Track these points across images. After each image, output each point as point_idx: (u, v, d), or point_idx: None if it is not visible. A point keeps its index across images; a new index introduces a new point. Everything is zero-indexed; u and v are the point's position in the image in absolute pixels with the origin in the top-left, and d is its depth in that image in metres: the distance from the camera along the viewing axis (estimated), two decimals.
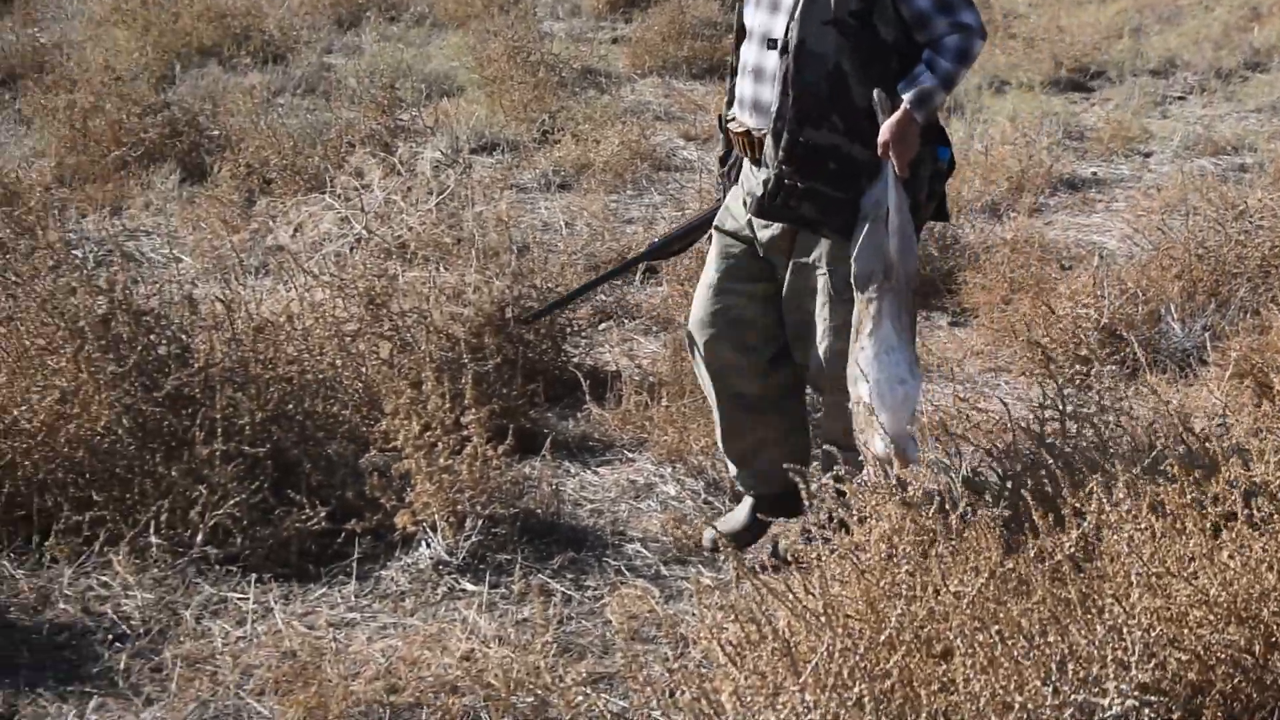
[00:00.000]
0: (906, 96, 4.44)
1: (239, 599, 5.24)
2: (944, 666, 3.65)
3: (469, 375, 5.81)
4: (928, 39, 4.49)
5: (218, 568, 5.40)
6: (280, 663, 4.84)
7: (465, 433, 5.55)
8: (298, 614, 5.18)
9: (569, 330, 7.10)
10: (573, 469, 6.45)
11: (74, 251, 6.69)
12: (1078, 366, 6.81)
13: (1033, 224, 9.44)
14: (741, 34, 4.81)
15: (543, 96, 12.29)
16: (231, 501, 5.37)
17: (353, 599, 5.39)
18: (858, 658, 3.47)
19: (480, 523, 5.61)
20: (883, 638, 3.67)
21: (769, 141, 4.51)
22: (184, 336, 5.86)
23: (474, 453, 5.53)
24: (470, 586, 5.44)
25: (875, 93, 4.47)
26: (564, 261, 7.94)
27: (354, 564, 5.51)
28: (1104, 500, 3.90)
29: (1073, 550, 3.89)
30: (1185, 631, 3.57)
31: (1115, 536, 3.83)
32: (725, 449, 5.17)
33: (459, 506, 5.53)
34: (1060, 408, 5.37)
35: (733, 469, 5.22)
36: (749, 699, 3.65)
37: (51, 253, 6.20)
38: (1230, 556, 3.67)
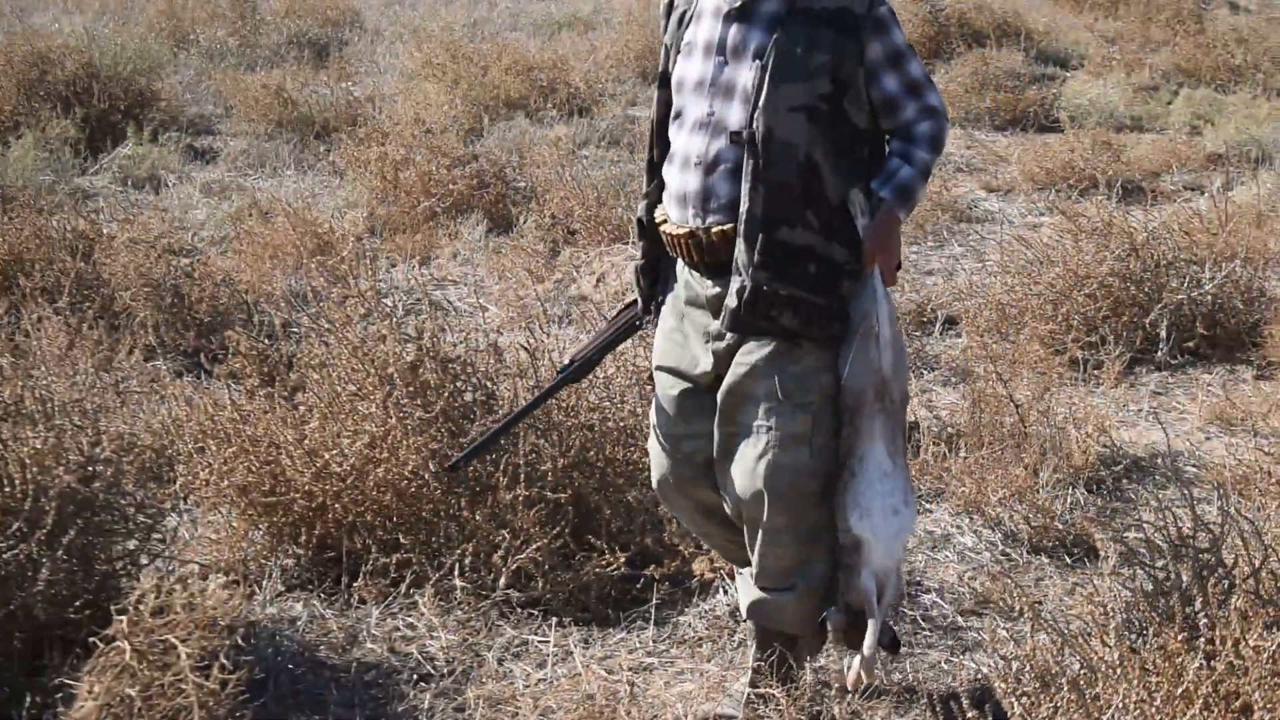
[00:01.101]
0: (886, 195, 4.10)
1: (540, 642, 5.36)
2: None
3: None
4: (896, 125, 4.16)
5: (519, 611, 5.54)
6: (579, 705, 4.92)
7: None
8: (597, 657, 5.25)
9: None
10: None
11: (384, 300, 6.87)
12: None
13: None
14: (666, 117, 4.31)
15: None
16: (533, 546, 5.50)
17: (650, 644, 5.42)
18: (1154, 710, 3.38)
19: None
20: (1180, 690, 3.59)
21: (740, 245, 4.06)
22: (489, 384, 6.01)
23: None
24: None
25: (852, 193, 4.12)
26: None
27: (652, 609, 5.53)
28: None
29: None
30: None
31: None
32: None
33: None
34: None
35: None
36: None
37: (363, 301, 6.37)
38: None
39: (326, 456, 5.60)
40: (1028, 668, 4.01)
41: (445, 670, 5.26)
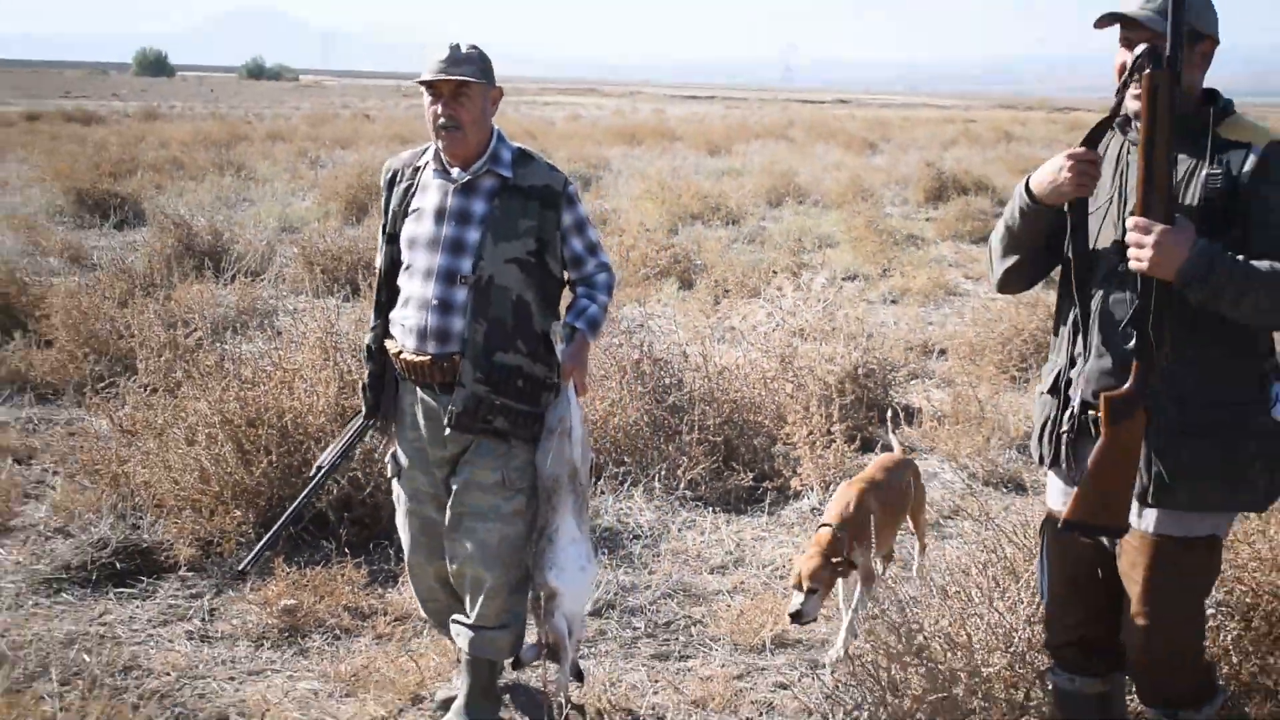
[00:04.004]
0: (581, 326, 3.84)
1: (702, 520, 5.79)
2: None
3: (835, 405, 6.37)
4: (581, 275, 3.91)
5: (691, 502, 6.02)
6: (724, 555, 5.64)
7: (831, 436, 6.15)
8: (734, 531, 5.74)
9: (891, 382, 7.59)
10: None
11: (622, 323, 7.80)
12: None
13: None
14: (395, 269, 3.89)
15: (884, 249, 13.72)
16: (700, 466, 6.13)
17: (764, 525, 5.83)
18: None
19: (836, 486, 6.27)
20: None
21: (465, 366, 3.69)
22: (679, 374, 6.57)
23: (837, 448, 6.12)
24: None
25: (555, 326, 3.90)
26: (891, 344, 8.58)
27: (766, 505, 6.06)
28: None
29: None
30: None
31: None
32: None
33: (826, 477, 6.11)
34: None
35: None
36: None
37: (612, 324, 7.00)
38: None
39: (590, 411, 6.10)
40: (981, 548, 4.11)
41: (648, 533, 5.74)
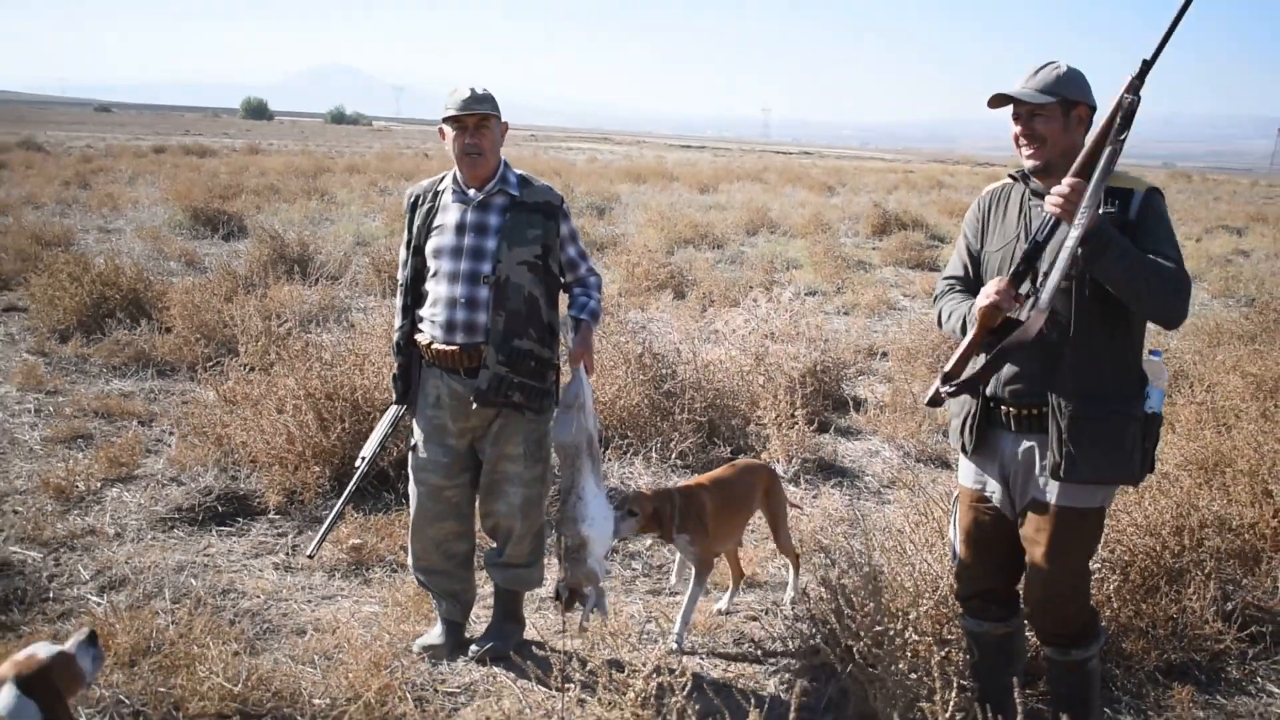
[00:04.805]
0: (586, 317, 3.80)
1: None
2: None
3: (799, 394, 6.36)
4: (576, 277, 3.87)
5: (680, 469, 5.82)
6: None
7: (795, 419, 6.15)
8: None
9: (844, 377, 7.60)
10: (842, 441, 6.87)
11: (628, 325, 7.80)
12: None
13: None
14: (417, 277, 3.82)
15: (839, 271, 13.70)
16: (688, 440, 6.01)
17: None
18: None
19: (800, 462, 6.00)
20: None
21: (489, 351, 3.66)
22: (673, 366, 6.57)
23: (799, 428, 6.12)
24: (792, 488, 5.74)
25: (565, 316, 3.90)
26: (844, 346, 8.48)
27: None
28: None
29: None
30: None
31: None
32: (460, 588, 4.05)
33: (789, 452, 6.08)
34: None
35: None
36: None
37: (622, 326, 7.17)
38: None
39: (601, 393, 6.10)
40: (906, 513, 4.27)
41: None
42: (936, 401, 3.05)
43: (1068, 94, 2.89)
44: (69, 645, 2.42)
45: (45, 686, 2.25)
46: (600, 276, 4.01)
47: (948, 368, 2.98)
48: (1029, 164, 2.99)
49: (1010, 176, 3.13)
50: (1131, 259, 2.76)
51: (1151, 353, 3.02)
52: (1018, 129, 2.95)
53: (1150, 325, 2.95)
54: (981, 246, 3.14)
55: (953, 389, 2.97)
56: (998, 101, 2.94)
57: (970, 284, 3.18)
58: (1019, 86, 2.94)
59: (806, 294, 12.09)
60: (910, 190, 32.14)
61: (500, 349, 3.69)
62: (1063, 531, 2.96)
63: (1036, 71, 2.94)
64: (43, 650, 2.36)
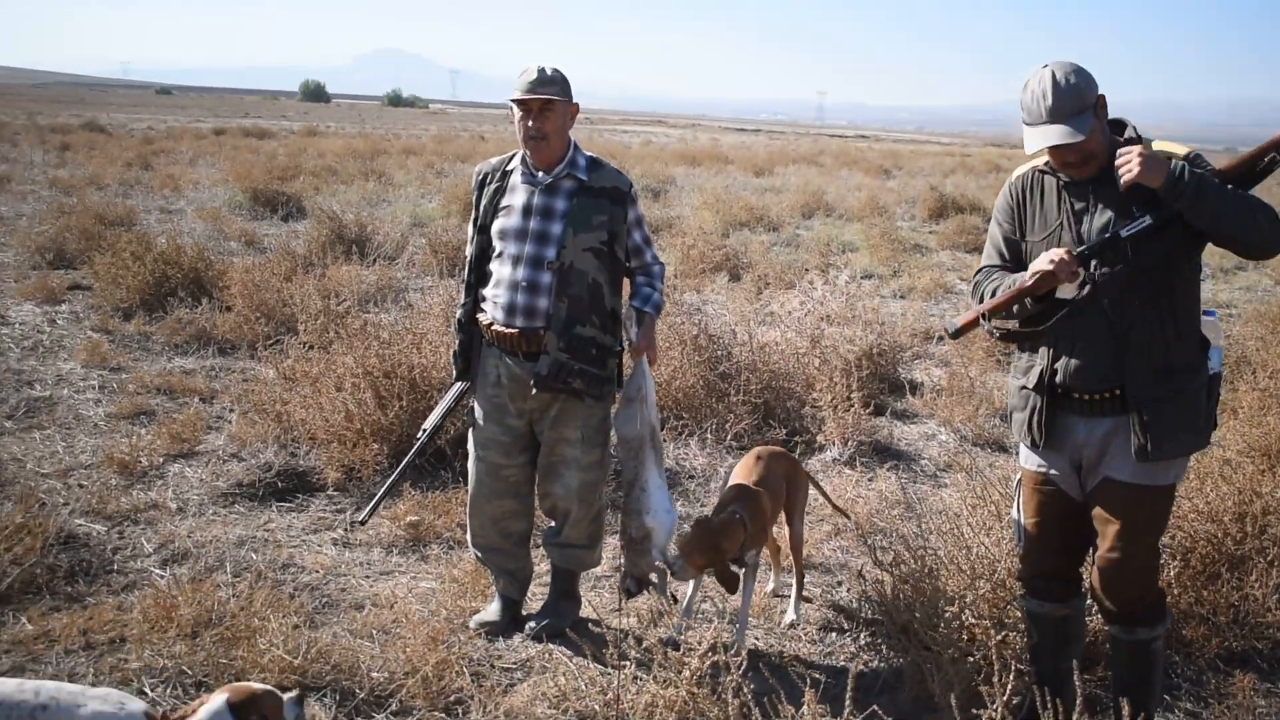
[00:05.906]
0: (649, 310, 3.78)
1: None
2: None
3: (854, 377, 6.37)
4: (641, 264, 3.82)
5: (735, 450, 5.77)
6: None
7: (850, 401, 6.13)
8: None
9: (900, 360, 7.57)
10: (898, 424, 6.83)
11: (684, 306, 7.63)
12: None
13: None
14: (483, 255, 3.79)
15: (895, 255, 13.54)
16: (744, 421, 6.01)
17: None
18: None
19: (855, 445, 5.99)
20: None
21: (550, 337, 3.62)
22: (728, 348, 6.55)
23: (855, 411, 6.11)
24: (847, 471, 5.76)
25: (627, 307, 3.83)
26: (900, 330, 8.39)
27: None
28: None
29: None
30: None
31: None
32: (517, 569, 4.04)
33: (845, 435, 6.05)
34: None
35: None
36: None
37: (678, 307, 6.97)
38: None
39: (661, 373, 6.17)
40: (963, 496, 4.25)
41: (700, 474, 5.69)
42: (960, 332, 3.04)
43: (1092, 102, 2.83)
44: (284, 695, 2.71)
45: (248, 714, 2.51)
46: (664, 265, 3.95)
47: (988, 306, 2.95)
48: (1080, 176, 2.92)
49: (1040, 171, 3.03)
50: (1219, 188, 2.73)
51: (1205, 313, 3.03)
52: (1060, 159, 2.89)
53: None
54: (1021, 236, 3.08)
55: (997, 332, 2.99)
56: (1041, 152, 2.90)
57: (1009, 272, 3.11)
58: (1043, 121, 2.79)
59: (862, 277, 12.00)
60: (967, 174, 31.73)
61: (562, 335, 3.65)
62: (1138, 509, 2.95)
63: (1046, 95, 2.78)
64: (259, 686, 2.64)
